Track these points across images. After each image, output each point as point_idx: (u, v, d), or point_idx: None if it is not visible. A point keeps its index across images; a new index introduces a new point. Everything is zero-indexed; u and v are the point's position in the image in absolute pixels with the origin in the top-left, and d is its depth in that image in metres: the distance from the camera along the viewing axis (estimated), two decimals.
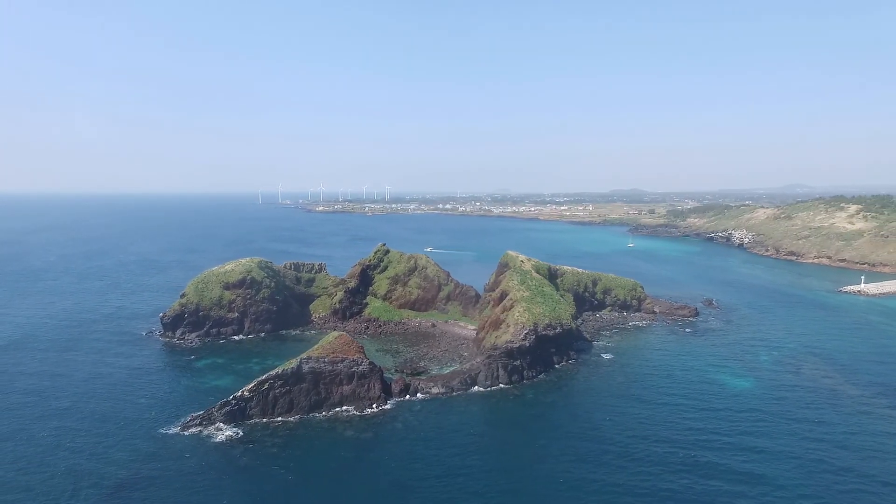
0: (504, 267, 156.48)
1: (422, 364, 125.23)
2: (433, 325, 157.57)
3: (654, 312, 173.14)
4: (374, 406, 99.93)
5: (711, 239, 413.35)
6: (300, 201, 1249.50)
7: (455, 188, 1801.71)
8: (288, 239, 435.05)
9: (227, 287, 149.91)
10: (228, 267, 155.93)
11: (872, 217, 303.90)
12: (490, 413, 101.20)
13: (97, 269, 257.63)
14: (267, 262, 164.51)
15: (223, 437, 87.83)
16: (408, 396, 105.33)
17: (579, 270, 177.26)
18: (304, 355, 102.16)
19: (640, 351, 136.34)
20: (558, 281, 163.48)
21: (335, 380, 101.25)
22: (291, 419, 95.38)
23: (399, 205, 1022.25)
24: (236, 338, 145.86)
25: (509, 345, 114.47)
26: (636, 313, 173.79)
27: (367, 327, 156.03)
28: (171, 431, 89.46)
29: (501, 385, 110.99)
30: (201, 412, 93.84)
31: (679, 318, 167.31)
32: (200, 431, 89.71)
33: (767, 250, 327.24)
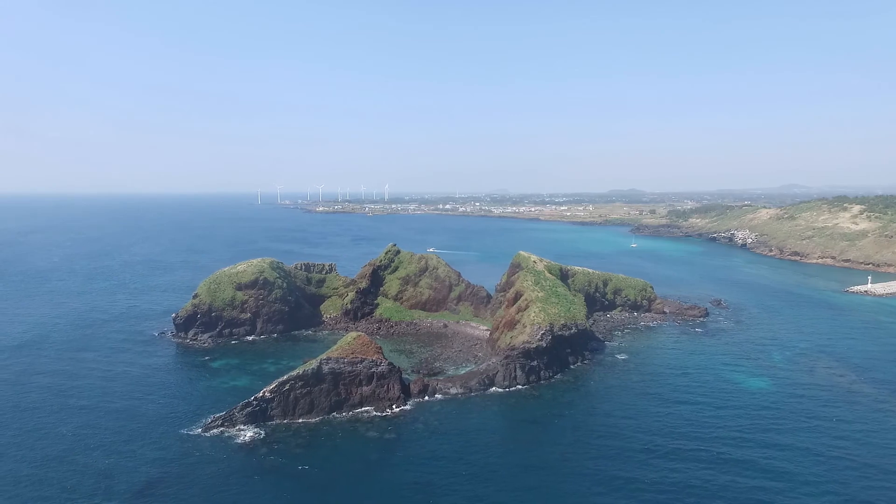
0: (516, 267, 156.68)
1: (437, 364, 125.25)
2: (445, 326, 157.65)
3: (664, 313, 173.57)
4: (393, 407, 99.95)
5: (714, 239, 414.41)
6: (299, 202, 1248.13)
7: (453, 189, 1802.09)
8: (290, 239, 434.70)
9: (239, 287, 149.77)
10: (240, 267, 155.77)
11: (876, 217, 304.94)
12: (510, 413, 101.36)
13: (103, 270, 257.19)
14: (278, 262, 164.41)
15: (246, 438, 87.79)
16: (426, 397, 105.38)
17: (590, 271, 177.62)
18: (323, 356, 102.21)
19: (654, 351, 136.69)
20: (569, 281, 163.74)
21: (355, 380, 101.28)
22: (312, 420, 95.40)
23: (399, 205, 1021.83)
24: (249, 338, 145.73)
25: (526, 345, 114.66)
26: (646, 313, 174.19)
27: (379, 328, 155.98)
28: (193, 432, 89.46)
29: (519, 385, 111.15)
30: (222, 413, 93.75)
31: (689, 319, 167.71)
32: (222, 432, 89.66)
33: (771, 250, 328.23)
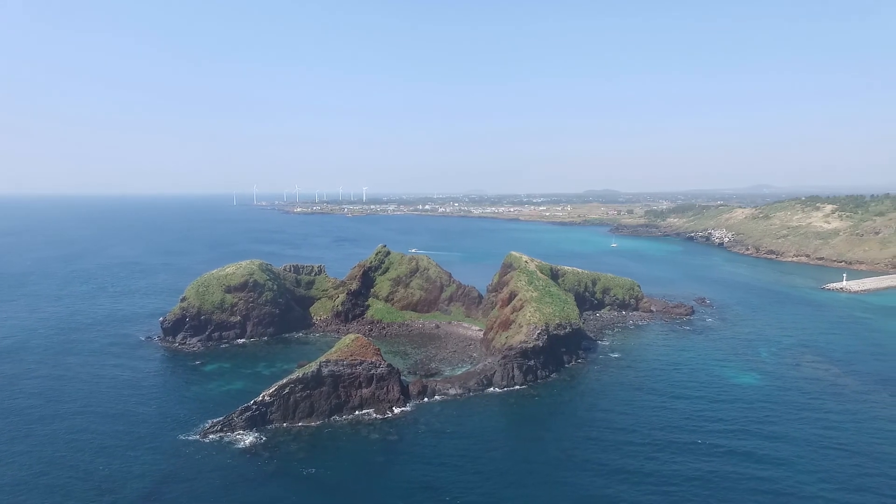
0: (508, 267, 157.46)
1: (433, 366, 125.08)
2: (437, 327, 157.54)
3: (651, 311, 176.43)
4: (394, 409, 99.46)
5: (692, 238, 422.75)
6: (276, 203, 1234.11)
7: (431, 189, 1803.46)
8: (271, 241, 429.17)
9: (228, 290, 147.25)
10: (229, 269, 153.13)
11: (847, 217, 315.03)
12: (510, 413, 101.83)
13: (80, 273, 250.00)
14: (267, 264, 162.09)
15: (247, 443, 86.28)
16: (426, 399, 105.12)
17: (579, 270, 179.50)
18: (322, 358, 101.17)
19: (646, 349, 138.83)
20: (560, 281, 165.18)
21: (354, 383, 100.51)
22: (313, 423, 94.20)
23: (378, 206, 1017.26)
24: (239, 341, 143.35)
25: (523, 345, 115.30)
26: (634, 312, 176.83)
27: (371, 329, 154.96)
28: (190, 438, 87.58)
29: (517, 385, 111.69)
30: (220, 418, 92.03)
31: (676, 317, 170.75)
32: (221, 438, 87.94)
33: (748, 249, 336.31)
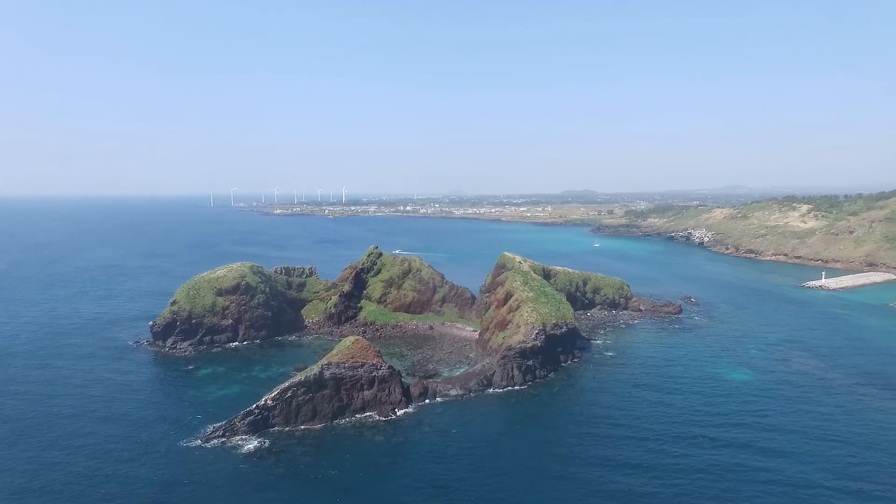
0: (501, 268, 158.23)
1: (431, 367, 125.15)
2: (431, 328, 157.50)
3: (640, 310, 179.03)
4: (396, 411, 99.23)
5: (672, 238, 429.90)
6: (254, 204, 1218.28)
7: (411, 191, 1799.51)
8: (253, 242, 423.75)
9: (220, 293, 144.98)
10: (220, 272, 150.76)
11: (822, 216, 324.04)
12: (513, 412, 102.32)
13: (58, 277, 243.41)
14: (258, 266, 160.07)
15: (251, 448, 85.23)
16: (427, 400, 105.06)
17: (570, 270, 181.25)
18: (323, 361, 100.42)
19: (639, 347, 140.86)
20: (551, 281, 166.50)
21: (356, 385, 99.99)
22: (315, 427, 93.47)
23: (359, 207, 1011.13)
24: (232, 345, 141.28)
25: (522, 345, 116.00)
26: (624, 311, 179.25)
27: (365, 331, 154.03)
28: (192, 444, 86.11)
29: (516, 385, 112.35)
30: (222, 423, 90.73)
31: (665, 315, 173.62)
32: (223, 443, 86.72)
33: (727, 248, 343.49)
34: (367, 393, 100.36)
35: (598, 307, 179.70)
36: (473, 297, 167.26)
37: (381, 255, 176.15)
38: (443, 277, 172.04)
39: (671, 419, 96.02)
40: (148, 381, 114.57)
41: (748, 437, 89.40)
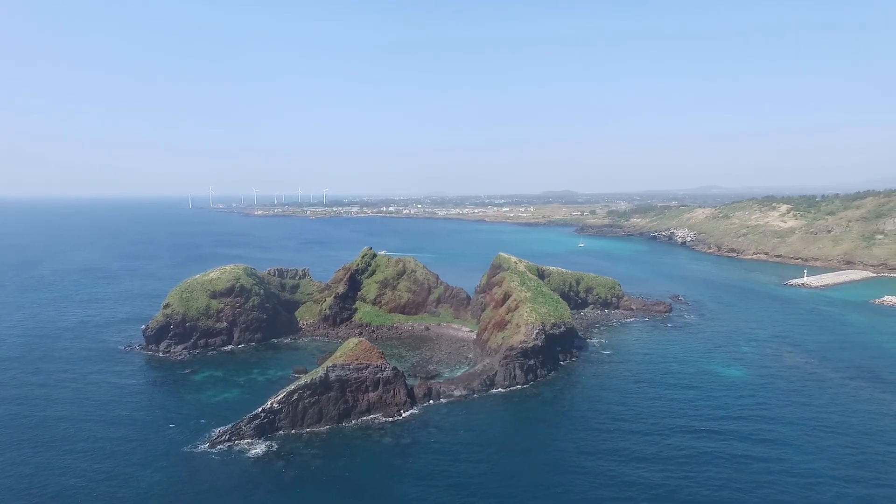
0: (497, 268, 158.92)
1: (431, 367, 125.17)
2: (427, 329, 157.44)
3: (631, 309, 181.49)
4: (401, 412, 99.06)
5: (655, 238, 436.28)
6: (234, 205, 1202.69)
7: (392, 191, 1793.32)
8: (237, 244, 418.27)
9: (214, 296, 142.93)
10: (213, 274, 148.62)
11: (801, 216, 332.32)
12: (518, 411, 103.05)
13: (37, 280, 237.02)
14: (252, 268, 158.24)
15: (259, 452, 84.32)
16: (431, 401, 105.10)
17: (563, 270, 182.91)
18: (328, 363, 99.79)
19: (634, 345, 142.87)
20: (546, 281, 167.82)
21: (361, 387, 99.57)
22: (321, 429, 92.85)
23: (341, 208, 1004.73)
24: (227, 348, 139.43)
25: (523, 344, 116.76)
26: (616, 310, 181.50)
27: (360, 333, 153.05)
28: (198, 449, 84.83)
29: (519, 385, 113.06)
30: (228, 426, 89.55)
31: (656, 314, 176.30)
32: (230, 447, 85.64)
33: (710, 248, 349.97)
34: (372, 395, 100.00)
35: (591, 306, 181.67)
36: (469, 298, 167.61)
37: (375, 255, 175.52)
38: (437, 278, 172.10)
39: (673, 413, 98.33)
40: (144, 386, 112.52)
41: (749, 429, 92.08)
